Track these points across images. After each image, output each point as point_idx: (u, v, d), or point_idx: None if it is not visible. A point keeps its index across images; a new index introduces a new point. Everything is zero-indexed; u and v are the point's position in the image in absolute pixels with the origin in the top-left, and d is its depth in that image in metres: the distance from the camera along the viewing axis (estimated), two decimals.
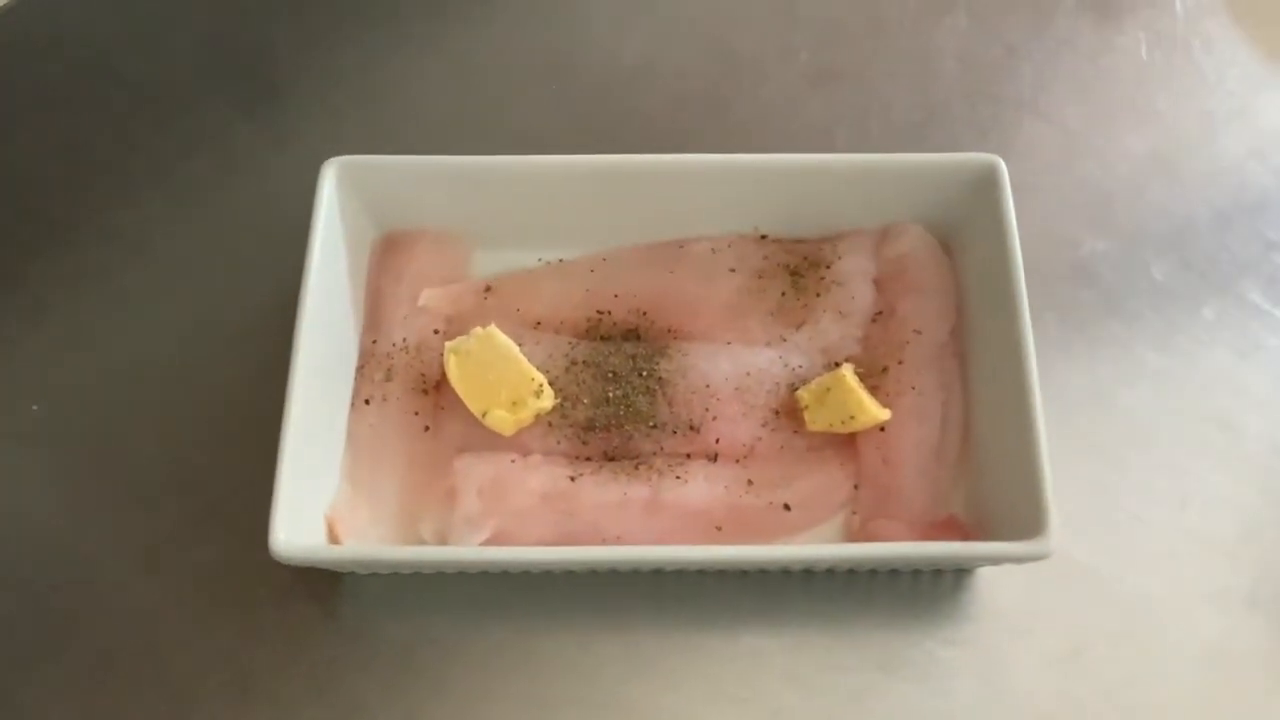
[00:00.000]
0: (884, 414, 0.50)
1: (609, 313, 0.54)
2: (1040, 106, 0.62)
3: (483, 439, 0.51)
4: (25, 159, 0.61)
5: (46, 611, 0.51)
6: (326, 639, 0.50)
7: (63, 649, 0.50)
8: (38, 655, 0.50)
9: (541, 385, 0.50)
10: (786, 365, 0.52)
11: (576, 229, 0.55)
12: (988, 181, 0.52)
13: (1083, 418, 0.54)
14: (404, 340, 0.53)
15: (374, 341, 0.53)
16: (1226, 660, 0.49)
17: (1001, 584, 0.50)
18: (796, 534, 0.50)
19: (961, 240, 0.54)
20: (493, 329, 0.51)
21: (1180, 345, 0.56)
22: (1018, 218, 0.51)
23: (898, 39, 0.64)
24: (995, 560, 0.48)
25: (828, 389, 0.50)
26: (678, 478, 0.50)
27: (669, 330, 0.54)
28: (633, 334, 0.54)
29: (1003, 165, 0.52)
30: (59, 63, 0.64)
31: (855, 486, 0.51)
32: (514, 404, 0.50)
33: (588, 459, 0.51)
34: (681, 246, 0.55)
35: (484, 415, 0.50)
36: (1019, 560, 0.47)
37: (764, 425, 0.51)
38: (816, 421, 0.51)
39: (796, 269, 0.54)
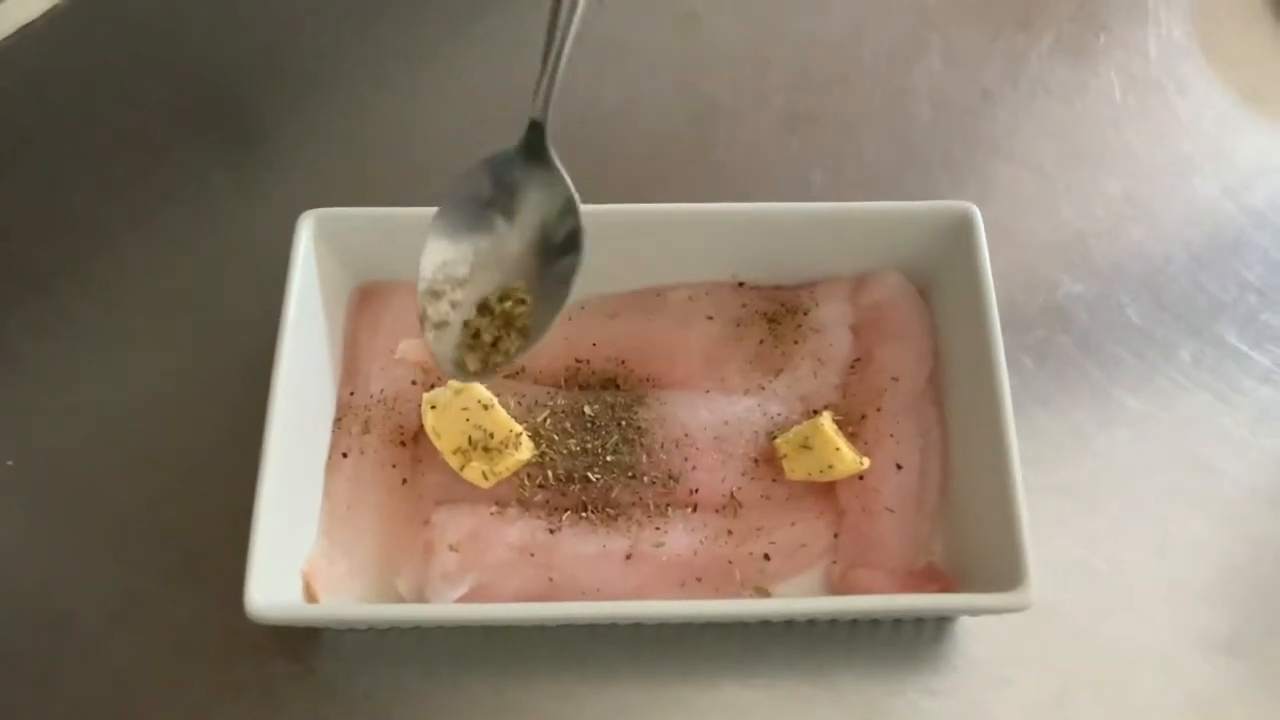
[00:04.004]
0: (863, 463, 0.50)
1: (587, 361, 0.54)
2: (1015, 149, 0.63)
3: (461, 491, 0.51)
4: (1, 208, 0.61)
5: (21, 666, 0.50)
6: (303, 694, 0.49)
7: (37, 705, 0.49)
8: (11, 710, 0.49)
9: (519, 436, 0.50)
10: (765, 413, 0.52)
11: None
12: (963, 229, 0.52)
13: (1061, 462, 0.54)
14: (381, 392, 0.53)
15: (351, 393, 0.53)
16: (1209, 706, 0.49)
17: (982, 632, 0.50)
18: (777, 583, 0.50)
19: (938, 287, 0.54)
20: None
21: (1157, 388, 0.56)
22: (994, 261, 0.52)
23: (873, 83, 0.65)
24: (975, 611, 0.48)
25: (806, 438, 0.50)
26: (657, 528, 0.50)
27: (647, 379, 0.54)
28: (611, 383, 0.54)
29: (977, 213, 0.52)
30: (37, 110, 0.64)
31: (835, 535, 0.51)
32: (492, 456, 0.50)
33: (566, 510, 0.51)
34: (659, 295, 0.55)
35: (462, 468, 0.50)
36: (999, 611, 0.47)
37: (743, 474, 0.51)
38: (795, 471, 0.51)
39: (774, 316, 0.55)
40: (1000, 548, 0.46)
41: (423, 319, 0.45)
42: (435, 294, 0.45)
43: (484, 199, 0.45)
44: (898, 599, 0.47)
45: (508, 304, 0.45)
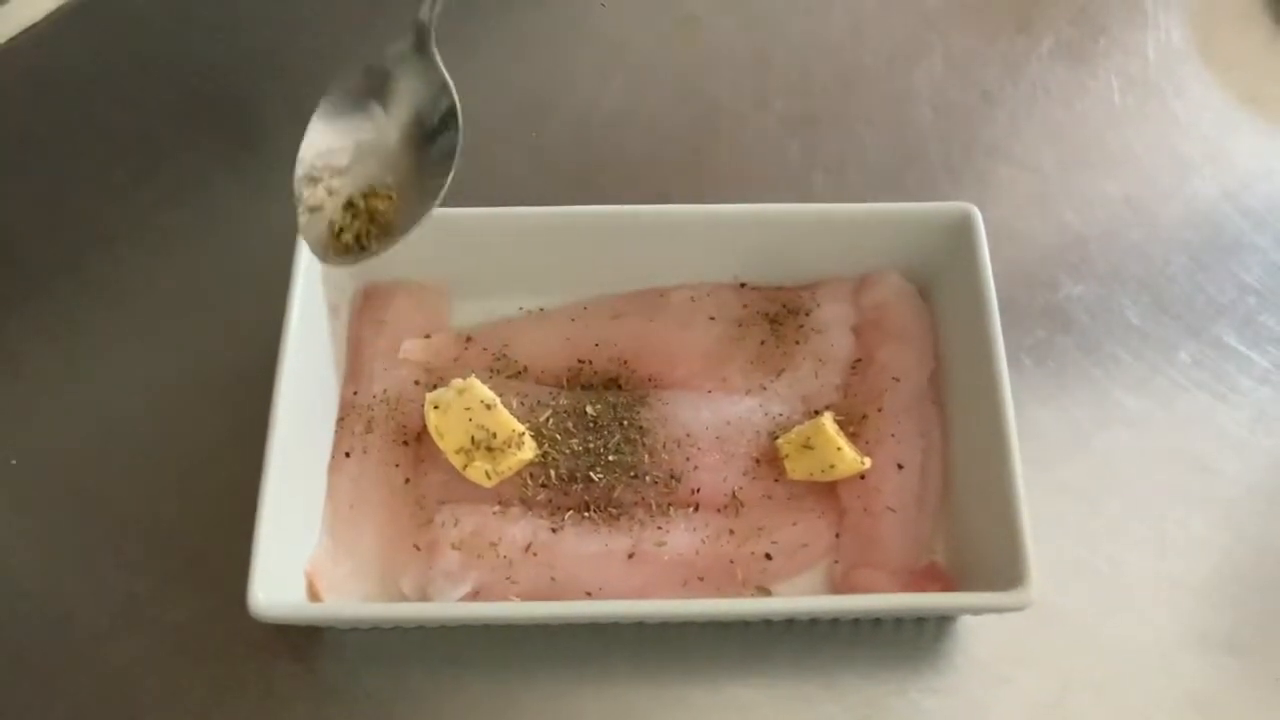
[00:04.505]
0: (864, 463, 0.50)
1: (589, 362, 0.54)
2: (1015, 152, 0.63)
3: (463, 490, 0.51)
4: (3, 209, 0.61)
5: (23, 668, 0.50)
6: (306, 694, 0.49)
7: (39, 704, 0.49)
8: (13, 711, 0.49)
9: (522, 436, 0.50)
10: (766, 413, 0.53)
11: (556, 279, 0.55)
12: (963, 230, 0.53)
13: (1061, 462, 0.54)
14: (384, 392, 0.53)
15: (354, 393, 0.53)
16: (1209, 705, 0.49)
17: (983, 631, 0.50)
18: (778, 583, 0.50)
19: (939, 287, 0.55)
20: (473, 380, 0.51)
21: (1157, 388, 0.56)
22: (994, 262, 0.52)
23: (874, 86, 0.65)
24: (976, 610, 0.48)
25: (808, 438, 0.50)
26: (659, 528, 0.50)
27: (649, 379, 0.54)
28: (613, 383, 0.54)
29: (978, 214, 0.53)
30: (38, 112, 0.64)
31: (836, 535, 0.51)
32: (494, 455, 0.50)
33: (569, 509, 0.51)
34: (661, 295, 0.55)
35: (464, 467, 0.50)
36: (999, 610, 0.47)
37: (745, 474, 0.51)
38: (797, 470, 0.51)
39: (776, 317, 0.55)
40: (1001, 547, 0.46)
41: (298, 202, 0.46)
42: (313, 179, 0.46)
43: (366, 90, 0.47)
44: (898, 598, 0.48)
45: (374, 201, 0.46)
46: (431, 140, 0.46)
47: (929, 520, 0.51)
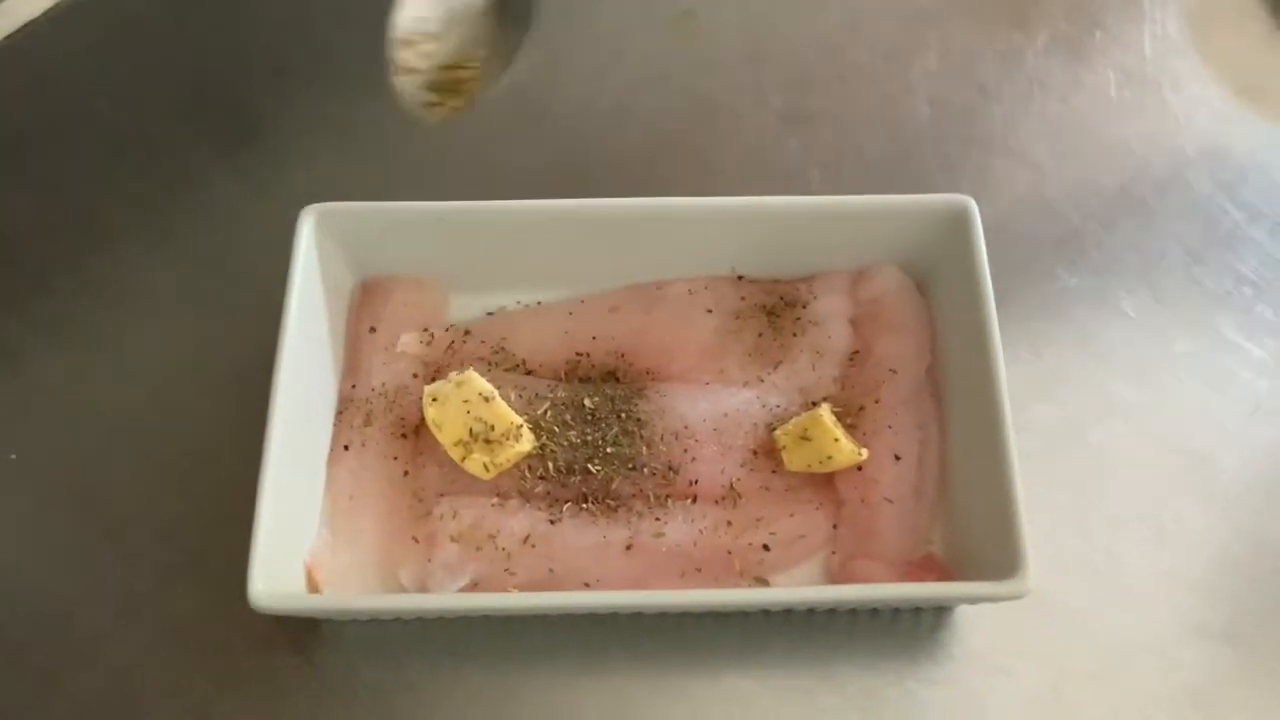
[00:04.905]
0: (861, 454, 0.50)
1: (587, 355, 0.54)
2: (1012, 145, 0.63)
3: (462, 483, 0.51)
4: (2, 206, 0.61)
5: (23, 663, 0.50)
6: (306, 686, 0.49)
7: (40, 701, 0.49)
8: (14, 708, 0.49)
9: (520, 428, 0.50)
10: (764, 405, 0.53)
11: (554, 272, 0.55)
12: (960, 222, 0.53)
13: (1058, 453, 0.54)
14: (383, 385, 0.53)
15: (353, 386, 0.53)
16: (1206, 697, 0.49)
17: (980, 622, 0.50)
18: (776, 574, 0.50)
19: (935, 280, 0.55)
20: (471, 373, 0.51)
21: (1153, 380, 0.56)
22: (990, 256, 0.52)
23: (871, 82, 0.65)
24: (972, 600, 0.48)
25: (805, 429, 0.51)
26: (657, 519, 0.50)
27: (647, 372, 0.54)
28: (611, 376, 0.54)
29: (974, 206, 0.53)
30: (37, 109, 0.64)
31: (834, 526, 0.51)
32: (493, 448, 0.50)
33: (567, 501, 0.51)
34: (659, 288, 0.56)
35: (463, 459, 0.50)
36: (995, 600, 0.47)
37: (742, 466, 0.52)
38: (794, 462, 0.51)
39: (773, 309, 0.55)
40: (997, 537, 0.46)
41: (394, 65, 0.48)
42: (407, 43, 0.48)
43: None
44: (895, 588, 0.48)
45: (459, 71, 0.48)
46: (509, 7, 0.47)
47: (926, 511, 0.51)
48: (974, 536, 0.49)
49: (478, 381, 0.51)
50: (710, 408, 0.52)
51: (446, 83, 0.49)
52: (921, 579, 0.49)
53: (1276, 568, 0.52)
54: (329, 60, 0.66)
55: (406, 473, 0.52)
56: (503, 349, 0.54)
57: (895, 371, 0.53)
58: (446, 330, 0.55)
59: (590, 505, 0.51)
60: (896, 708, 0.49)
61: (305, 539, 0.50)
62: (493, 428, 0.50)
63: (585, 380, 0.54)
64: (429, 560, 0.49)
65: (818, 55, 0.66)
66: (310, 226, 0.52)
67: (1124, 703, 0.49)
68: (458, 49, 0.49)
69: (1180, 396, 0.56)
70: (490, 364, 0.54)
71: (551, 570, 0.49)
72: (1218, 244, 0.60)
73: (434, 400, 0.50)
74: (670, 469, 0.51)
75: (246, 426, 0.49)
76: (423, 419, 0.51)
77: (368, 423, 0.52)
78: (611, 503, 0.51)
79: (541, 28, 0.66)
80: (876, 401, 0.52)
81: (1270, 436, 0.55)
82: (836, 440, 0.50)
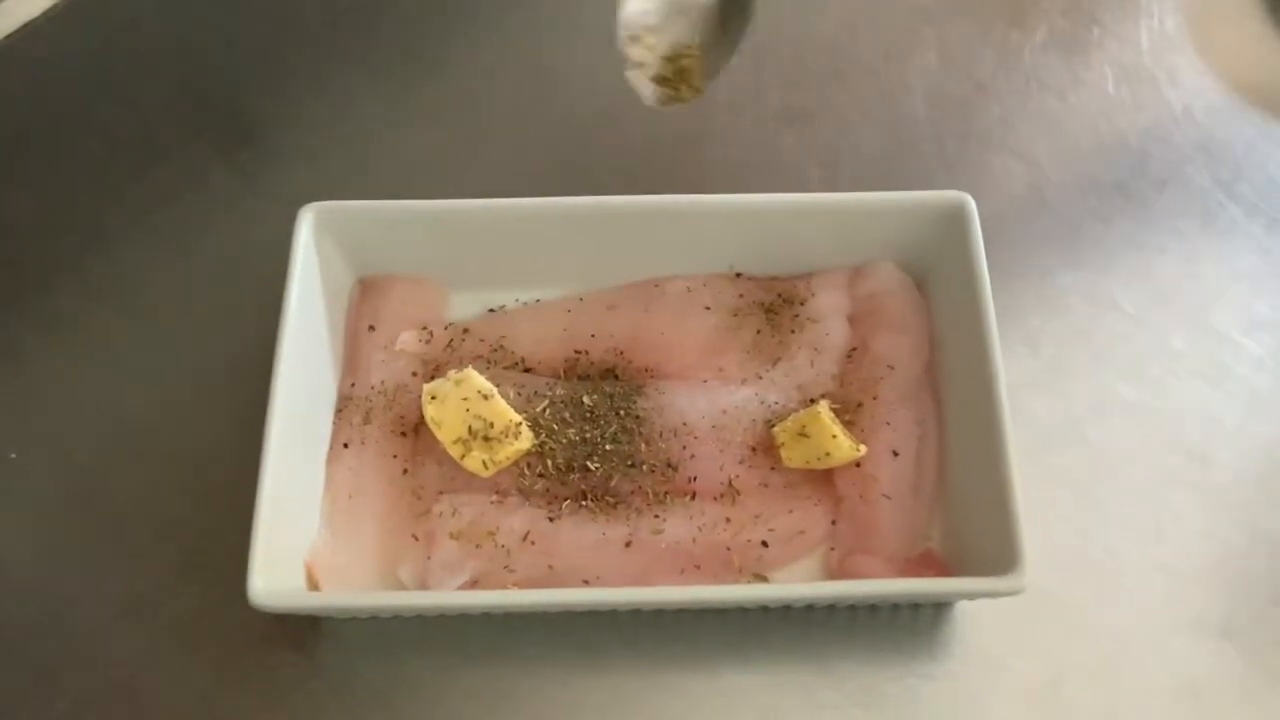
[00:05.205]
0: (859, 450, 0.50)
1: (586, 353, 0.55)
2: (1009, 142, 0.63)
3: (461, 481, 0.51)
4: (1, 206, 0.61)
5: (25, 660, 0.50)
6: (306, 684, 0.50)
7: (41, 698, 0.50)
8: (16, 705, 0.49)
9: (519, 426, 0.51)
10: (763, 402, 0.53)
11: (553, 270, 0.55)
12: (957, 218, 0.53)
13: (1055, 449, 0.54)
14: (382, 384, 0.53)
15: (352, 385, 0.54)
16: (1203, 691, 0.50)
17: (979, 618, 0.50)
18: (774, 570, 0.50)
19: (933, 276, 0.55)
20: (470, 371, 0.51)
21: (1151, 376, 0.56)
22: (988, 252, 0.52)
23: (869, 79, 0.65)
24: (969, 595, 0.49)
25: (803, 426, 0.51)
26: (656, 516, 0.51)
27: (646, 369, 0.54)
28: (610, 373, 0.54)
29: (972, 202, 0.53)
30: (36, 109, 0.64)
31: (833, 522, 0.51)
32: (492, 445, 0.50)
33: (566, 499, 0.51)
34: (657, 286, 0.56)
35: (462, 457, 0.50)
36: (993, 595, 0.47)
37: (741, 462, 0.52)
38: (793, 459, 0.51)
39: (771, 307, 0.55)
40: (995, 533, 0.47)
41: (627, 61, 0.51)
42: (634, 38, 0.50)
43: None
44: (892, 583, 0.48)
45: (682, 61, 0.51)
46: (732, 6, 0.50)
47: (924, 507, 0.51)
48: (972, 532, 0.49)
49: (477, 379, 0.51)
50: (709, 405, 0.52)
51: (673, 73, 0.52)
52: (920, 575, 0.49)
53: (1273, 563, 0.52)
54: (327, 59, 0.66)
55: (406, 471, 0.52)
56: (502, 347, 0.55)
57: (893, 368, 0.53)
58: (445, 328, 0.55)
59: (589, 502, 0.51)
60: (895, 703, 0.49)
61: (305, 537, 0.50)
62: (492, 425, 0.50)
63: (584, 378, 0.54)
64: (428, 558, 0.49)
65: (816, 53, 0.66)
66: (309, 225, 0.52)
67: (1122, 697, 0.49)
68: (678, 39, 0.52)
69: (1178, 393, 0.56)
70: (489, 362, 0.54)
71: (551, 567, 0.49)
72: (1215, 239, 0.60)
73: (433, 398, 0.51)
74: (669, 466, 0.51)
75: (246, 425, 0.49)
76: (422, 417, 0.51)
77: (367, 421, 0.53)
78: (610, 500, 0.51)
79: (539, 24, 0.67)
80: (875, 398, 0.52)
81: (1267, 432, 0.55)
82: (835, 437, 0.50)
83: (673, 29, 0.51)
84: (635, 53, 0.50)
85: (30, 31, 0.66)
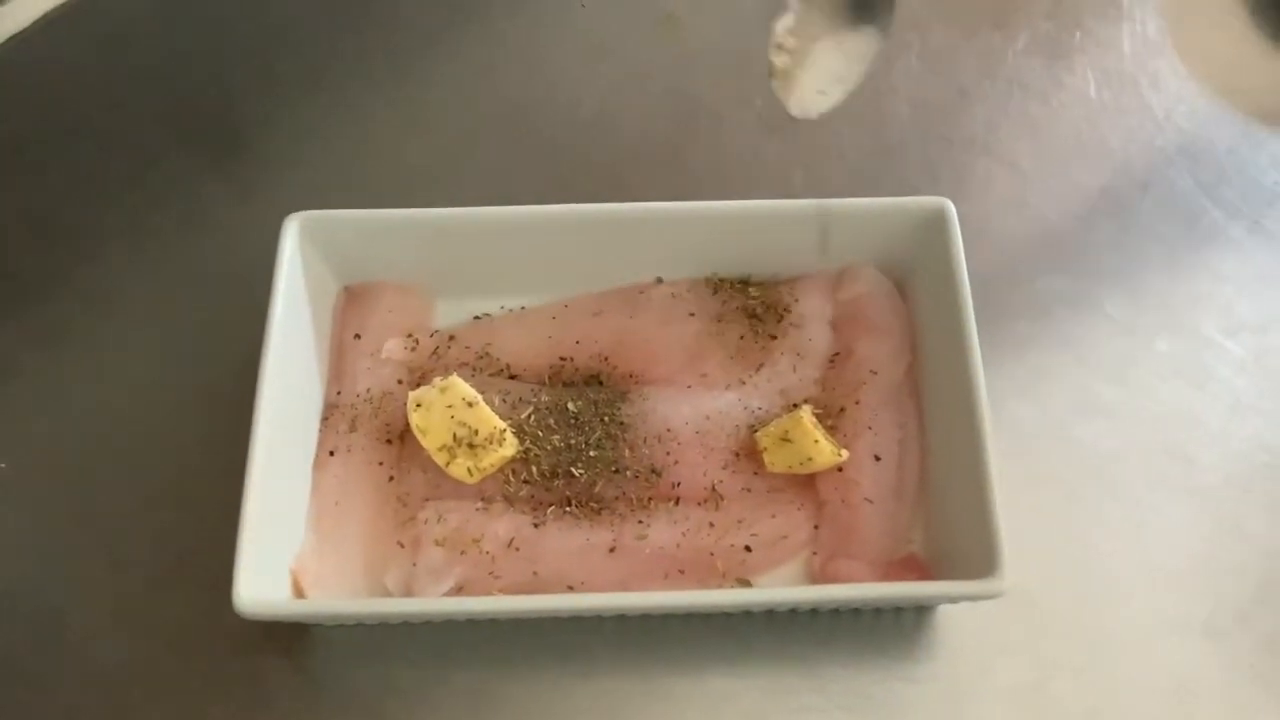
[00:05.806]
0: (842, 455, 0.51)
1: (571, 359, 0.55)
2: (992, 146, 0.63)
3: (447, 487, 0.51)
4: None
5: (12, 668, 0.51)
6: (293, 691, 0.50)
7: (29, 706, 0.50)
8: (5, 715, 0.50)
9: (504, 433, 0.51)
10: (746, 407, 0.53)
11: (538, 277, 0.56)
12: (938, 223, 0.53)
13: (1039, 452, 0.54)
14: (367, 391, 0.54)
15: (338, 393, 0.54)
16: (1187, 691, 0.50)
17: (962, 620, 0.51)
18: (758, 574, 0.51)
19: (915, 281, 0.55)
20: (454, 378, 0.51)
21: (1134, 379, 0.57)
22: (971, 257, 0.52)
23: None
24: (950, 599, 0.49)
25: (786, 431, 0.51)
26: (640, 522, 0.51)
27: (630, 375, 0.55)
28: (594, 380, 0.55)
29: (952, 207, 0.53)
30: (24, 117, 0.65)
31: (815, 527, 0.51)
32: (477, 452, 0.50)
33: (550, 505, 0.51)
34: (642, 292, 0.56)
35: (447, 464, 0.50)
36: (973, 599, 0.48)
37: (724, 468, 0.52)
38: (776, 464, 0.51)
39: (754, 313, 0.55)
40: (975, 537, 0.47)
41: (771, 71, 0.53)
42: (779, 48, 0.52)
43: None
44: (876, 588, 0.48)
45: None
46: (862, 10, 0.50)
47: (907, 511, 0.51)
48: (953, 536, 0.49)
49: (461, 387, 0.51)
50: (692, 410, 0.53)
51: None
52: (902, 578, 0.49)
53: (1256, 562, 0.52)
54: (316, 68, 0.66)
55: (391, 478, 0.52)
56: (487, 354, 0.55)
57: (875, 373, 0.53)
58: (431, 336, 0.55)
59: (574, 508, 0.51)
60: (879, 706, 0.49)
61: (291, 544, 0.50)
62: (476, 432, 0.50)
63: (569, 384, 0.54)
64: (414, 564, 0.50)
65: None
66: (294, 234, 0.53)
67: (1106, 698, 0.50)
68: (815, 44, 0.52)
69: (1161, 395, 0.56)
70: (474, 369, 0.54)
71: (536, 573, 0.50)
72: (1198, 243, 0.60)
73: (418, 406, 0.51)
74: (653, 471, 0.52)
75: (234, 432, 0.49)
76: (407, 424, 0.51)
77: (353, 428, 0.53)
78: (595, 506, 0.51)
79: (525, 31, 0.67)
80: (857, 403, 0.53)
81: (1249, 433, 0.55)
82: (817, 442, 0.50)
83: (808, 30, 0.52)
84: (779, 63, 0.51)
85: (20, 41, 0.66)
